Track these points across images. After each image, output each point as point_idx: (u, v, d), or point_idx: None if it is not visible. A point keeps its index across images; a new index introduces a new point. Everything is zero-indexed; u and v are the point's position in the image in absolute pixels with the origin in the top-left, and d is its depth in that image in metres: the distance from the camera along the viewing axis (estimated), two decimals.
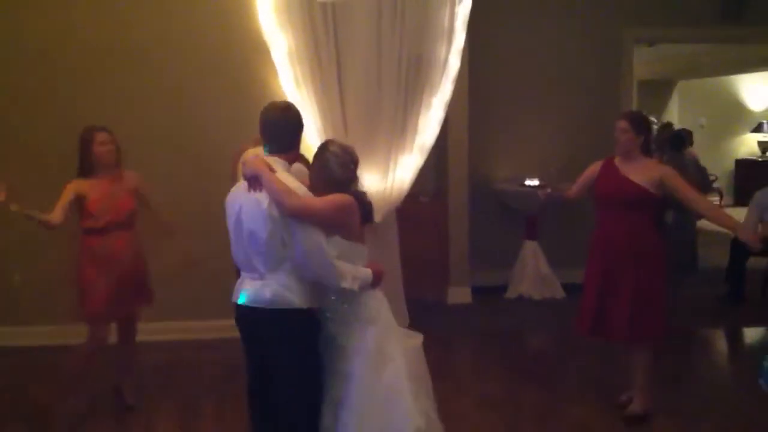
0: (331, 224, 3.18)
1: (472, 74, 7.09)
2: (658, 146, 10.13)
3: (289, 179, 3.16)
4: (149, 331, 6.13)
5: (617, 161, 4.66)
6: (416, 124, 5.82)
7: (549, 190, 5.07)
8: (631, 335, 4.56)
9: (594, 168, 4.77)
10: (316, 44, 5.72)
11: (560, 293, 7.53)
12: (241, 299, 3.26)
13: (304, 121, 4.88)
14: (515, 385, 5.18)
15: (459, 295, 7.50)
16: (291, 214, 3.06)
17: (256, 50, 5.98)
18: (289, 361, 3.19)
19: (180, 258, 6.10)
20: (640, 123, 4.62)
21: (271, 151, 3.28)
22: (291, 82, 5.80)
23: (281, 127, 3.28)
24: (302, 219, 3.07)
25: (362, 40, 5.65)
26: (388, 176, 5.81)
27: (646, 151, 4.62)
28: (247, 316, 3.26)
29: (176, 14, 6.12)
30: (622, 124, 4.59)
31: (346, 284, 3.17)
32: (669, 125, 10.89)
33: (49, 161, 6.01)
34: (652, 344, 4.71)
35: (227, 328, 5.70)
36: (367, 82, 5.71)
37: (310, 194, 3.18)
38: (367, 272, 3.29)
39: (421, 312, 6.27)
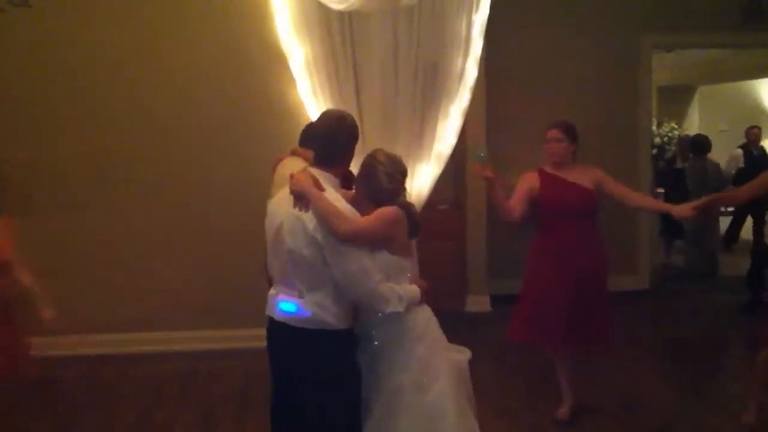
0: (379, 240, 3.08)
1: (489, 82, 7.10)
2: (680, 151, 10.11)
3: (336, 197, 3.03)
4: (167, 341, 6.21)
5: (550, 170, 4.65)
6: (434, 133, 5.82)
7: (484, 154, 4.50)
8: (609, 340, 4.67)
9: (531, 181, 4.64)
10: (333, 54, 5.74)
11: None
12: (277, 314, 3.15)
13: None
14: (534, 394, 5.15)
15: (478, 303, 7.50)
16: (342, 239, 2.92)
17: (274, 60, 6.02)
18: (324, 380, 3.07)
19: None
20: (572, 131, 4.65)
21: (319, 164, 3.12)
22: (309, 92, 5.83)
23: (333, 139, 3.10)
24: (353, 242, 2.96)
25: (379, 49, 5.66)
26: (407, 185, 5.80)
27: (574, 159, 4.68)
28: (281, 331, 3.14)
29: (194, 25, 6.19)
30: (556, 133, 4.62)
31: (391, 308, 3.06)
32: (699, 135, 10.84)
33: (71, 181, 6.12)
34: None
35: (246, 338, 5.83)
36: (384, 91, 5.72)
37: (356, 213, 3.06)
38: (414, 290, 3.18)
39: (440, 320, 6.25)
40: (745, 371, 6.14)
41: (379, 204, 3.16)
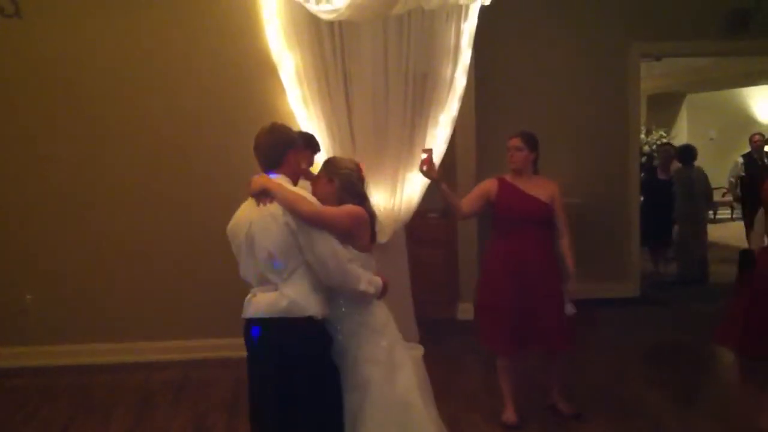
0: (344, 233, 3.26)
1: (479, 91, 7.12)
2: (662, 163, 10.13)
3: (295, 188, 3.26)
4: (159, 350, 6.21)
5: (511, 179, 4.77)
6: (423, 141, 5.85)
7: (427, 156, 4.45)
8: (562, 343, 4.78)
9: (489, 186, 4.79)
10: (323, 63, 5.78)
11: (570, 309, 7.46)
12: (254, 313, 3.25)
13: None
14: (522, 401, 5.14)
15: (469, 311, 7.48)
16: (307, 220, 3.13)
17: (264, 70, 6.04)
18: (306, 371, 3.17)
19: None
20: (532, 141, 4.74)
21: (267, 169, 3.34)
22: (299, 101, 5.86)
23: (267, 147, 3.34)
24: (318, 225, 3.15)
25: (369, 59, 5.70)
26: (397, 193, 5.84)
27: (535, 168, 4.79)
28: (261, 327, 3.24)
29: (184, 35, 6.20)
30: (516, 141, 4.73)
31: (362, 287, 3.25)
32: (669, 144, 10.88)
33: (65, 190, 6.12)
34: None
35: (238, 347, 5.81)
36: (375, 100, 5.75)
37: (320, 204, 3.25)
38: (378, 280, 3.36)
39: (431, 328, 6.28)
40: (734, 377, 6.19)
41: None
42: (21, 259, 6.19)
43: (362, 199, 3.48)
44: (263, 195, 3.21)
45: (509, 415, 4.83)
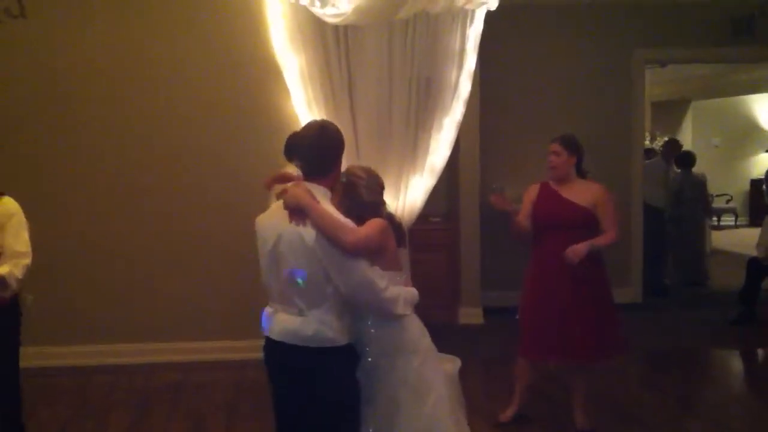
0: (376, 250, 3.04)
1: (483, 96, 7.14)
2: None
3: (333, 209, 2.96)
4: (159, 351, 6.20)
5: (553, 184, 4.71)
6: (427, 145, 5.85)
7: (497, 186, 4.57)
8: (597, 354, 4.67)
9: (531, 192, 4.76)
10: (328, 66, 5.77)
11: None
12: (277, 334, 3.02)
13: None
14: (525, 406, 5.14)
15: (471, 315, 7.50)
16: (351, 251, 2.87)
17: (268, 72, 6.04)
18: (331, 397, 2.99)
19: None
20: (572, 144, 4.70)
21: (308, 175, 3.03)
22: (303, 104, 5.85)
23: (318, 150, 3.01)
24: (360, 255, 2.90)
25: (374, 63, 5.70)
26: (400, 197, 5.83)
27: (580, 172, 4.74)
28: (282, 352, 3.02)
29: (188, 37, 6.20)
30: (555, 147, 4.69)
31: (400, 310, 3.09)
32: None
33: (68, 193, 6.13)
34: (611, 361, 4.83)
35: (237, 349, 5.83)
36: (379, 104, 5.75)
37: (353, 224, 2.97)
38: (413, 292, 3.22)
39: (433, 333, 6.24)
40: (732, 382, 6.19)
41: (361, 218, 3.12)
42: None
43: (373, 207, 3.22)
44: (298, 213, 2.89)
45: (506, 414, 4.88)
